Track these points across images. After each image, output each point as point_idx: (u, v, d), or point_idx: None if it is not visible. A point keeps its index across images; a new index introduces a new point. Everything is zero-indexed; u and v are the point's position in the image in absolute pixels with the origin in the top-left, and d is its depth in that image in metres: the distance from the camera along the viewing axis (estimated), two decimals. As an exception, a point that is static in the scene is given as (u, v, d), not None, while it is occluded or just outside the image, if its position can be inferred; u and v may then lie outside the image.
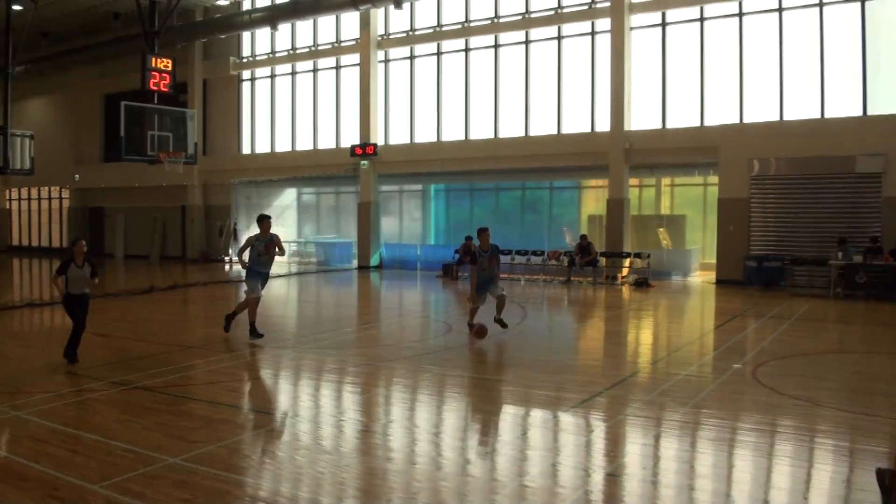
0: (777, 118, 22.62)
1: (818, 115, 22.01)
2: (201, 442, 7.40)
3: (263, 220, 13.32)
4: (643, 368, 11.56)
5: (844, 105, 21.81)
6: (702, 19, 23.97)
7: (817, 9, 22.15)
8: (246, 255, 13.50)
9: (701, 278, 24.38)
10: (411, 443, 7.68)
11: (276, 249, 13.22)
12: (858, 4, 21.64)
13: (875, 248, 19.37)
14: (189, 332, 15.28)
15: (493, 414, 9.00)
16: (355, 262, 31.18)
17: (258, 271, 13.34)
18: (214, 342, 13.12)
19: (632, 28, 24.86)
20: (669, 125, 24.51)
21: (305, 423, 8.45)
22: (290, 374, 11.14)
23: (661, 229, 26.31)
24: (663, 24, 24.67)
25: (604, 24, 25.37)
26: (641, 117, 24.94)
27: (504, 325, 13.51)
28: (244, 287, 13.63)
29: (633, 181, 26.31)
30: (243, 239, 34.25)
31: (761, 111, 22.94)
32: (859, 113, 21.55)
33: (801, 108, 22.36)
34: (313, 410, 9.13)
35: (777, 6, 22.74)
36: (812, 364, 11.58)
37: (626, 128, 24.57)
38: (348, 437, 7.95)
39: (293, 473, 6.74)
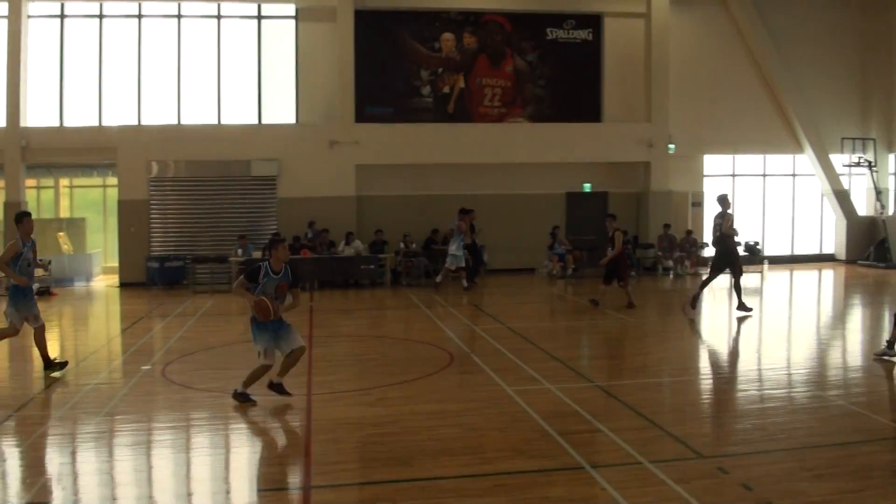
0: (175, 122, 22.92)
1: (216, 122, 22.87)
2: None
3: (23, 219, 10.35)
4: (52, 383, 10.74)
5: (241, 113, 23.07)
6: (101, 16, 23.11)
7: (216, 20, 23.01)
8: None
9: (105, 282, 23.60)
10: None
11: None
12: (255, 21, 23.08)
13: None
14: None
15: None
16: None
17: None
18: None
19: (30, 16, 22.85)
20: (68, 123, 23.15)
21: None
22: None
23: (60, 233, 24.81)
24: (62, 16, 23.18)
25: (1, 7, 22.87)
26: (39, 113, 23.10)
27: (283, 392, 9.04)
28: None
29: (31, 182, 24.31)
30: None
31: (160, 114, 23.00)
32: (255, 121, 23.00)
33: (200, 114, 22.98)
34: None
35: (177, 13, 23.01)
36: (220, 356, 12.04)
37: (23, 124, 22.56)
38: None
39: None
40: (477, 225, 20.57)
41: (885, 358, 10.88)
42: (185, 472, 6.86)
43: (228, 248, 21.21)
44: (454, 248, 19.47)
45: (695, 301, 15.41)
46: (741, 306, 15.16)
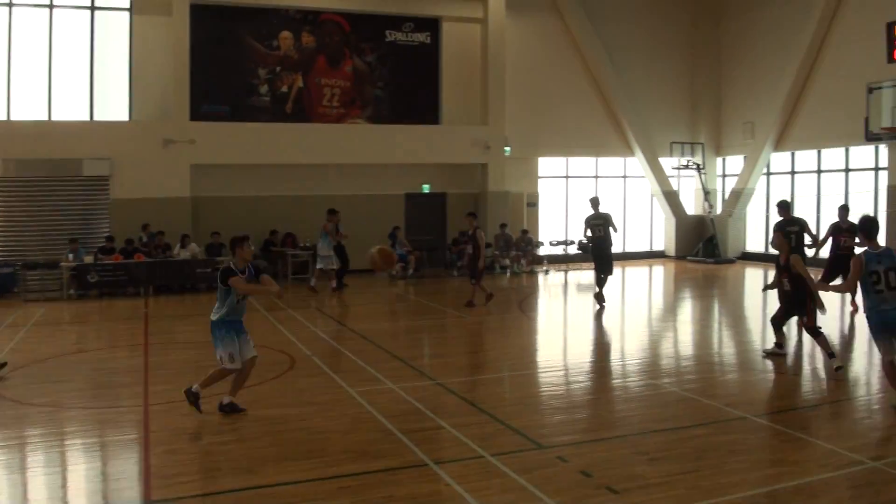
0: (3, 118, 21.61)
1: (46, 118, 21.68)
2: None
3: None
4: None
5: (72, 109, 21.95)
6: (-72, 3, 21.45)
7: (48, 10, 21.77)
8: None
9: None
10: None
11: None
12: (88, 12, 22.01)
13: (109, 247, 20.06)
14: None
15: None
16: None
17: None
18: None
19: None
20: None
21: None
22: None
23: None
24: None
25: None
26: None
27: (238, 409, 8.74)
28: None
29: None
30: None
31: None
32: (86, 117, 21.98)
33: (29, 109, 21.72)
34: None
35: (6, 1, 21.62)
36: (53, 368, 11.54)
37: None
38: None
39: None
40: (342, 227, 20.33)
41: (775, 353, 11.30)
42: (20, 494, 6.62)
43: (60, 253, 20.22)
44: (324, 249, 19.43)
45: (599, 298, 16.73)
46: (599, 295, 16.63)
